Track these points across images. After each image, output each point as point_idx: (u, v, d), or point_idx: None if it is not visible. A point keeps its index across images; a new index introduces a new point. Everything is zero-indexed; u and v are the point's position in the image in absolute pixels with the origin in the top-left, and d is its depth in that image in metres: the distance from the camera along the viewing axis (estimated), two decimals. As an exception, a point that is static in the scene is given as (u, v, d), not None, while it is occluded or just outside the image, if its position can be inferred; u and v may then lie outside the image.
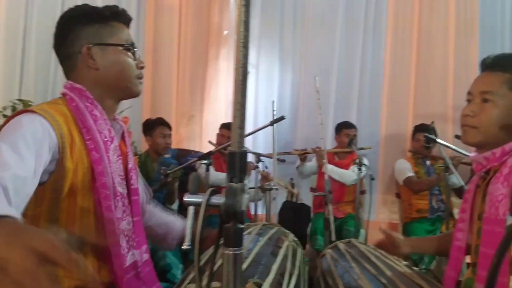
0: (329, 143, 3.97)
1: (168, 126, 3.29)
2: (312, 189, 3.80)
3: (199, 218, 0.53)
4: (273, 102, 2.49)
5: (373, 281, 1.03)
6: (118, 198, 1.04)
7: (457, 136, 2.71)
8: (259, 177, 3.24)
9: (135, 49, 1.16)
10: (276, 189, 2.20)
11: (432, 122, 3.07)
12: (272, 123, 2.25)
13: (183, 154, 3.65)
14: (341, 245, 1.54)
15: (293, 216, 3.72)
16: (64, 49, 1.11)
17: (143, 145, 3.60)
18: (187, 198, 0.56)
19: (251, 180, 3.37)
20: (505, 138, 1.16)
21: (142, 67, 1.17)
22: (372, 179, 2.93)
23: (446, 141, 2.30)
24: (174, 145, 3.91)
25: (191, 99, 4.11)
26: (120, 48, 1.12)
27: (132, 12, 3.97)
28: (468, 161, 2.90)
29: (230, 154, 0.58)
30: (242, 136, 0.58)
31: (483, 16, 3.92)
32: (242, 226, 0.56)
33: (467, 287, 1.18)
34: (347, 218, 3.51)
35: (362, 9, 4.07)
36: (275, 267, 1.13)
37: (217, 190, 0.58)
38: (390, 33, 4.07)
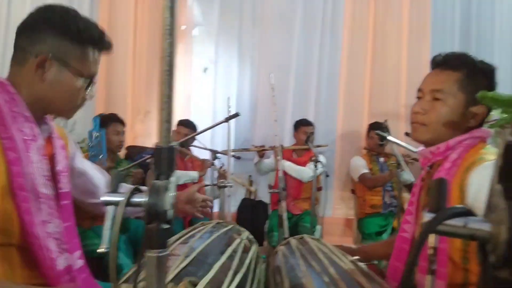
0: (287, 140, 4.00)
1: (122, 123, 3.18)
2: (270, 186, 3.81)
3: (117, 218, 0.49)
4: (228, 98, 2.46)
5: (316, 279, 1.03)
6: (41, 200, 0.97)
7: (407, 134, 2.79)
8: (216, 174, 3.22)
9: (93, 83, 1.08)
10: (231, 186, 2.17)
11: (385, 120, 3.15)
12: (226, 120, 2.22)
13: (137, 151, 3.55)
14: (293, 241, 1.54)
15: (251, 213, 3.72)
16: (25, 40, 1.02)
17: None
18: (104, 197, 0.52)
19: (207, 178, 3.33)
20: (452, 135, 1.18)
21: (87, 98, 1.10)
22: (327, 175, 2.97)
23: (399, 139, 2.36)
24: (129, 142, 3.80)
25: (147, 94, 4.01)
26: (78, 75, 1.04)
27: (85, 3, 3.83)
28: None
29: (157, 149, 0.55)
30: (169, 130, 0.54)
31: (435, 19, 4.07)
32: (166, 226, 0.52)
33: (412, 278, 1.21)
34: (303, 214, 3.55)
35: (319, 9, 4.12)
36: (217, 265, 1.10)
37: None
38: (347, 33, 4.14)
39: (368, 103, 4.14)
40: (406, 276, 0.38)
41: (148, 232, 0.52)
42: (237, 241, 1.39)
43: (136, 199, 0.52)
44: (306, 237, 1.58)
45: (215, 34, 4.07)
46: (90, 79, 1.08)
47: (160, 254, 0.52)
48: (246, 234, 1.51)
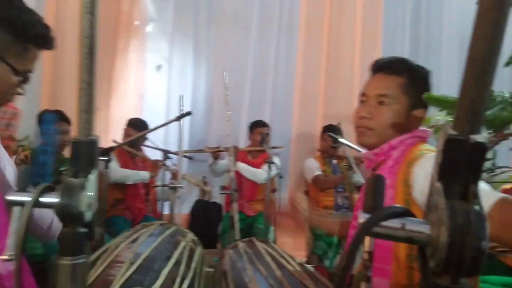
0: (242, 141, 3.97)
1: (68, 121, 3.00)
2: (224, 188, 3.75)
3: (21, 221, 0.42)
4: (181, 96, 2.38)
5: (263, 283, 1.00)
6: None
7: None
8: (169, 175, 3.13)
9: (27, 79, 1.01)
10: (181, 187, 2.10)
11: (339, 123, 3.20)
12: (178, 118, 2.15)
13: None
14: (241, 244, 1.50)
15: (205, 215, 3.65)
16: None
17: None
18: (10, 197, 0.45)
19: (159, 179, 3.23)
20: (395, 136, 1.19)
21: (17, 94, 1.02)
22: (281, 177, 2.96)
23: (352, 141, 2.39)
24: (76, 141, 3.61)
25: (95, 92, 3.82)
26: (13, 72, 0.97)
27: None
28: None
29: (75, 143, 0.48)
30: (89, 121, 0.48)
31: (386, 23, 4.21)
32: (83, 230, 0.46)
33: (358, 280, 1.20)
34: (258, 216, 3.53)
35: (276, 10, 4.12)
36: (164, 272, 1.04)
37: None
38: (302, 35, 4.17)
39: (323, 105, 4.20)
40: (339, 281, 0.34)
41: (61, 236, 0.46)
42: (182, 244, 1.33)
43: (46, 199, 0.45)
44: (254, 240, 1.55)
45: (169, 31, 3.96)
46: (25, 76, 1.00)
47: (76, 262, 0.46)
48: (190, 236, 1.46)
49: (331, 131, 2.99)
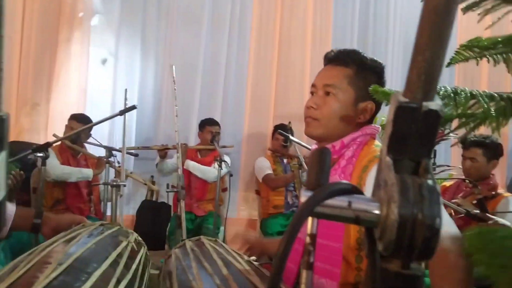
0: (192, 140, 3.88)
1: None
2: (170, 186, 3.65)
3: None
4: (125, 90, 2.27)
5: (208, 281, 0.94)
6: None
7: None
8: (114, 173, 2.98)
9: None
10: (124, 185, 1.99)
11: (289, 123, 3.21)
12: (121, 113, 2.04)
13: (21, 148, 3.14)
14: (189, 243, 1.44)
15: (152, 215, 3.52)
16: None
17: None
18: None
19: (103, 177, 3.07)
20: (345, 131, 1.18)
21: None
22: (231, 175, 2.91)
23: (302, 141, 2.39)
24: (13, 137, 3.36)
25: (35, 85, 3.57)
26: None
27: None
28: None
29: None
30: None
31: (336, 25, 4.28)
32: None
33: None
34: (208, 216, 3.46)
35: (228, 8, 4.07)
36: (97, 274, 0.96)
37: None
38: (254, 35, 4.15)
39: (274, 105, 4.20)
40: (275, 274, 0.30)
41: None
42: (123, 244, 1.24)
43: None
44: (203, 238, 1.50)
45: (116, 24, 3.79)
46: None
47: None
48: (133, 236, 1.37)
49: (282, 130, 2.99)
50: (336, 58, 1.22)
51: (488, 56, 1.03)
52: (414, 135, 0.28)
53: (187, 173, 3.44)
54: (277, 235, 3.43)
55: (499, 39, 1.02)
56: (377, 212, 0.29)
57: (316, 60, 4.05)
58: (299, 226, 0.29)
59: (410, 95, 0.29)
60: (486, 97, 0.90)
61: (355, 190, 0.32)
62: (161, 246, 3.41)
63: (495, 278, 0.77)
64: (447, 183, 2.77)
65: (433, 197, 0.28)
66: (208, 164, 3.52)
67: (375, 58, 1.24)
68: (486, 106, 0.86)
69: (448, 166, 3.43)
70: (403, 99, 0.29)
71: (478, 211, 1.63)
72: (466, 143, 2.56)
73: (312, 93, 1.23)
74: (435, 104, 0.29)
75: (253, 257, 1.29)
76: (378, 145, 1.17)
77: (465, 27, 3.97)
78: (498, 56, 1.03)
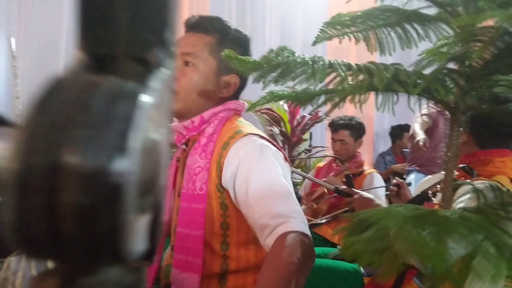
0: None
1: None
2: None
3: None
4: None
5: None
6: None
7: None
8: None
9: None
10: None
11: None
12: None
13: None
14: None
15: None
16: None
17: None
18: None
19: None
20: (206, 106, 1.08)
21: None
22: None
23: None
24: None
25: None
26: None
27: None
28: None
29: None
30: None
31: (213, 8, 4.14)
32: None
33: (167, 274, 1.04)
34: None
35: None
36: None
37: None
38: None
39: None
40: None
41: None
42: None
43: None
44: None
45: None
46: None
47: None
48: None
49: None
50: (196, 25, 1.10)
51: (349, 34, 0.99)
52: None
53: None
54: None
55: (358, 15, 0.98)
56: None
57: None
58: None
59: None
60: (344, 66, 0.85)
61: None
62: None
63: (376, 265, 0.75)
64: (321, 164, 2.88)
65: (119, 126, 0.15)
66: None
67: (240, 29, 1.16)
68: (343, 75, 0.81)
69: (322, 147, 3.60)
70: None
71: (345, 187, 1.67)
72: (334, 126, 2.69)
73: None
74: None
75: None
76: (241, 121, 1.08)
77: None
78: (359, 34, 1.00)
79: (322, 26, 0.99)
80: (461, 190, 1.24)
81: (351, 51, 4.39)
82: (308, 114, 3.16)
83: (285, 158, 1.02)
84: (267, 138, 1.03)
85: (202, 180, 0.98)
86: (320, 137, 4.28)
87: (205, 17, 1.12)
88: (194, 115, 1.06)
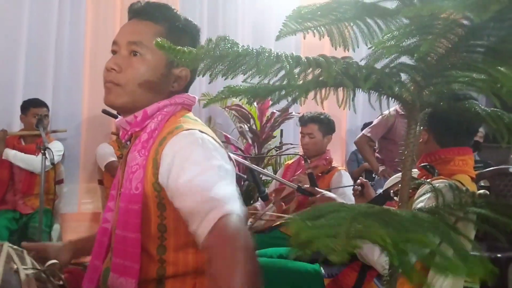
0: (16, 125, 3.27)
1: None
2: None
3: None
4: None
5: None
6: None
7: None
8: None
9: None
10: None
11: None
12: None
13: None
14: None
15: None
16: None
17: None
18: None
19: None
20: (154, 100, 1.00)
21: None
22: (53, 164, 2.49)
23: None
24: None
25: None
26: None
27: None
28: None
29: None
30: None
31: (183, 6, 3.98)
32: None
33: (105, 279, 0.97)
34: (36, 213, 2.96)
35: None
36: None
37: None
38: (91, 4, 3.66)
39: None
40: None
41: None
42: None
43: None
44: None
45: None
46: None
47: None
48: None
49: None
50: (144, 12, 1.02)
51: (312, 28, 0.93)
52: None
53: (7, 165, 2.89)
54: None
55: (317, 7, 0.92)
56: None
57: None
58: None
59: None
60: (292, 59, 0.79)
61: None
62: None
63: (329, 250, 0.70)
64: (290, 161, 2.84)
65: None
66: (34, 152, 2.99)
67: (189, 19, 1.09)
68: (288, 68, 0.75)
69: (292, 144, 3.57)
70: None
71: (308, 186, 1.63)
72: (303, 120, 2.65)
73: (113, 51, 1.01)
74: None
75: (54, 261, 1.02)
76: (188, 116, 1.01)
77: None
78: (321, 28, 0.94)
79: (284, 20, 0.93)
80: (421, 189, 1.21)
81: (325, 49, 4.36)
82: (278, 111, 3.11)
83: (229, 157, 0.96)
84: (212, 134, 0.96)
85: (138, 178, 0.91)
86: (293, 134, 4.24)
87: (153, 3, 1.04)
88: (139, 109, 0.99)
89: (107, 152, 3.25)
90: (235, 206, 0.79)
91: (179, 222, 0.89)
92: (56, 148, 3.01)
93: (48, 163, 2.47)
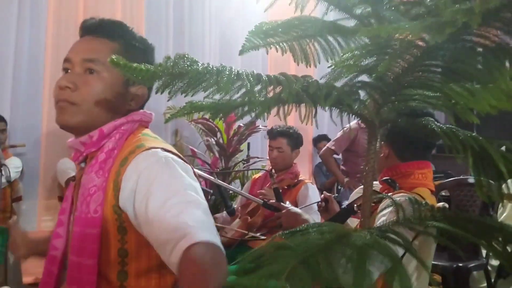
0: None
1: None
2: None
3: None
4: None
5: None
6: None
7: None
8: None
9: None
10: None
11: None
12: None
13: None
14: None
15: None
16: None
17: None
18: None
19: None
20: (110, 119, 0.97)
21: None
22: (9, 181, 2.38)
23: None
24: None
25: None
26: None
27: None
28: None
29: None
30: None
31: (149, 21, 3.94)
32: None
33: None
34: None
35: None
36: None
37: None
38: (52, 14, 3.55)
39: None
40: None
41: None
42: None
43: None
44: None
45: None
46: None
47: None
48: None
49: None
50: (99, 28, 0.99)
51: (274, 44, 0.94)
52: None
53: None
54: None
55: (279, 24, 0.92)
56: None
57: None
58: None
59: None
60: (252, 78, 0.79)
61: None
62: None
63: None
64: (257, 175, 2.84)
65: None
66: (-10, 168, 2.86)
67: (143, 37, 1.07)
68: (249, 86, 0.75)
69: (259, 157, 3.57)
70: None
71: (273, 201, 1.63)
72: (272, 134, 2.66)
73: (65, 69, 0.98)
74: None
75: None
76: (146, 133, 0.99)
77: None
78: (283, 44, 0.95)
79: (247, 36, 0.93)
80: (383, 204, 1.23)
81: (291, 63, 4.41)
82: (244, 125, 3.11)
83: (194, 173, 0.94)
84: (175, 151, 0.94)
85: (97, 201, 0.87)
86: (261, 147, 4.25)
87: (107, 20, 1.01)
88: (95, 129, 0.95)
89: (68, 167, 3.14)
90: (206, 233, 0.77)
91: (141, 246, 0.86)
92: (13, 164, 2.88)
93: (4, 180, 2.35)
